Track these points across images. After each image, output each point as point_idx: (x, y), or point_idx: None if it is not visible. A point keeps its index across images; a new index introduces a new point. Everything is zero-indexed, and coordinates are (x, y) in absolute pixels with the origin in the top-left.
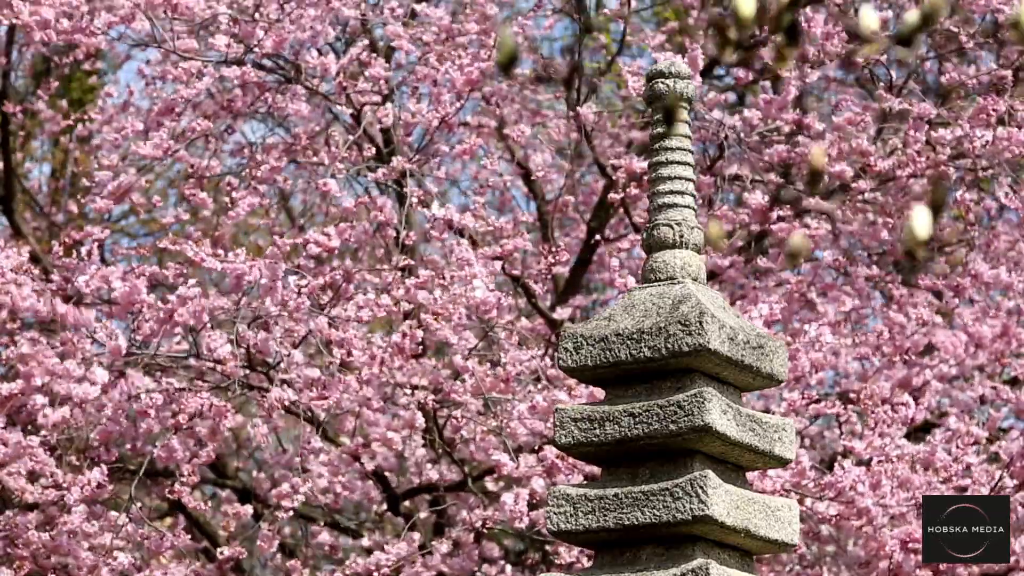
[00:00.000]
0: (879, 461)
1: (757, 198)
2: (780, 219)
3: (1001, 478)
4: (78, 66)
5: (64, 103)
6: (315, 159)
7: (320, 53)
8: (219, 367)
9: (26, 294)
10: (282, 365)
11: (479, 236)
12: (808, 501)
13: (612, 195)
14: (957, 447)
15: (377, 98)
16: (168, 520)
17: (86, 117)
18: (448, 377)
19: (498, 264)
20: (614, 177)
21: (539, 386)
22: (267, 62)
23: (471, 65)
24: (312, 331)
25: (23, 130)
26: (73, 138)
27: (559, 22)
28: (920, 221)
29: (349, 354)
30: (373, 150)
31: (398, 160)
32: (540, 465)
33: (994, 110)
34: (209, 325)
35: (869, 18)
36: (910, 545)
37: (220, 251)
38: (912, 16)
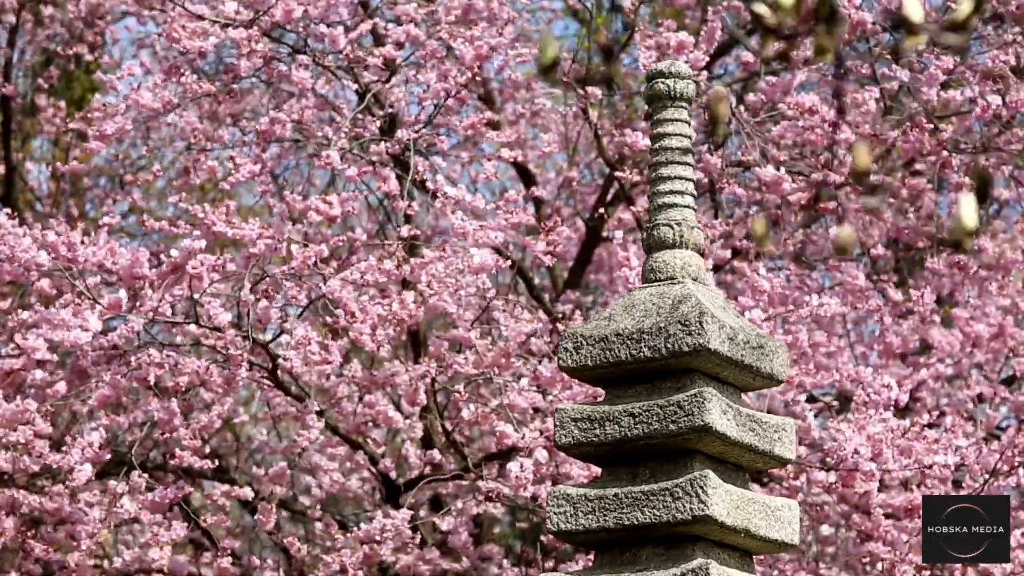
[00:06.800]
0: (876, 433)
1: (770, 172)
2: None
3: (997, 466)
4: (79, 61)
5: (63, 103)
6: (319, 134)
7: (329, 27)
8: (217, 336)
9: (27, 245)
10: (283, 338)
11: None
12: (802, 479)
13: (619, 174)
14: (947, 431)
15: (384, 75)
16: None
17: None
18: (449, 351)
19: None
20: (619, 157)
21: (539, 357)
22: (275, 33)
23: (480, 40)
24: (316, 294)
25: (24, 130)
26: (73, 138)
27: (560, 20)
28: (968, 210)
29: (352, 316)
30: (377, 125)
31: (402, 132)
32: (543, 436)
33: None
34: (209, 293)
35: (913, 8)
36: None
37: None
38: (965, 4)
